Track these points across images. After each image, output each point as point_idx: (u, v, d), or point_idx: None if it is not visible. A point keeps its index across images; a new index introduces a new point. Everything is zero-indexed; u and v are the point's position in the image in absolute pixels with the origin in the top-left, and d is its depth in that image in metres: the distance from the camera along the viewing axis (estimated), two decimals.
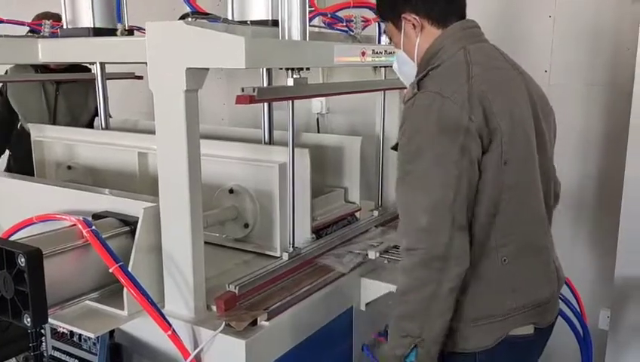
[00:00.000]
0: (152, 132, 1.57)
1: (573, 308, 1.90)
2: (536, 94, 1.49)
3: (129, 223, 1.62)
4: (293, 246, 1.87)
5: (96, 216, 1.66)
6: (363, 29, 2.12)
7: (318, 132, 3.33)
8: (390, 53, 2.04)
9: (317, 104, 3.37)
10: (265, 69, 2.08)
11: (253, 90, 1.52)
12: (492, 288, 1.39)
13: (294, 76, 1.67)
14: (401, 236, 1.36)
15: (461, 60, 1.41)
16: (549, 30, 2.71)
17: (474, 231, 1.35)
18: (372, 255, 1.97)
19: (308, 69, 1.69)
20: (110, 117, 2.78)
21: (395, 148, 1.42)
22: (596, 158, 2.72)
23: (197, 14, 1.58)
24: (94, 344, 1.65)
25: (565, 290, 1.92)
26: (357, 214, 2.31)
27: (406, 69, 1.58)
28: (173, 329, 1.43)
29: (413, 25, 1.50)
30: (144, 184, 2.19)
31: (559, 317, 1.89)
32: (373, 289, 1.90)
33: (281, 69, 1.73)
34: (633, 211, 2.29)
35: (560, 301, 1.79)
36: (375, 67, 2.35)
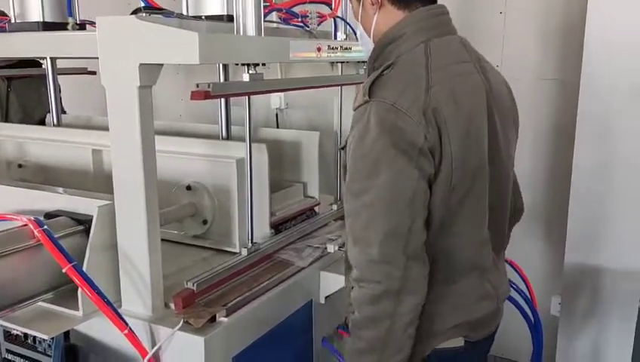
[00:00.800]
0: (107, 128, 1.55)
1: (524, 295, 1.97)
2: (498, 98, 1.38)
3: (83, 222, 1.59)
4: (251, 242, 1.87)
5: (49, 216, 1.62)
6: (319, 25, 2.13)
7: (277, 127, 3.34)
8: (346, 48, 2.06)
9: (275, 99, 3.38)
10: (221, 65, 2.07)
11: (209, 86, 1.52)
12: (424, 308, 1.29)
13: (250, 72, 1.67)
14: (352, 261, 1.26)
15: (420, 62, 1.28)
16: (500, 26, 2.79)
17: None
18: (331, 248, 1.99)
19: (264, 64, 1.70)
20: (64, 112, 2.71)
21: (343, 148, 1.34)
22: (546, 151, 2.81)
23: (150, 9, 1.56)
24: (49, 346, 1.61)
25: (517, 278, 2.00)
26: (316, 208, 2.33)
27: (365, 42, 1.46)
28: (130, 328, 1.42)
29: (372, 1, 1.36)
30: (99, 182, 2.15)
31: (514, 305, 1.97)
32: (332, 282, 1.91)
33: (237, 64, 1.72)
34: (581, 201, 2.38)
35: (512, 289, 1.85)
36: (332, 62, 2.37)
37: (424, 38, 1.31)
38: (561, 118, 2.73)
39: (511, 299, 1.95)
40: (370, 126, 1.21)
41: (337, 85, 2.31)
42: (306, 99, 3.25)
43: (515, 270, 2.01)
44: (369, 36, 1.42)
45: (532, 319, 1.98)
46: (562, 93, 2.71)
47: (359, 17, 1.44)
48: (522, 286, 2.00)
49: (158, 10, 1.59)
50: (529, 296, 1.98)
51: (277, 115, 3.43)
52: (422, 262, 1.23)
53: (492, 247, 1.40)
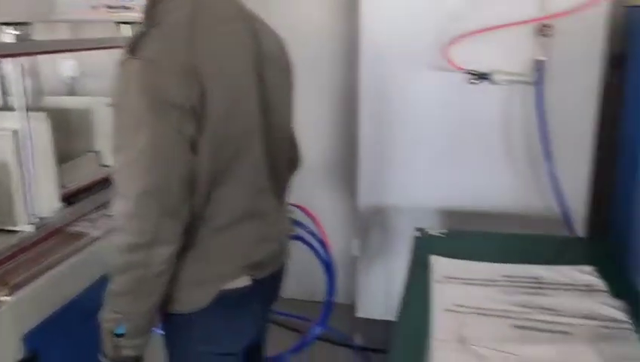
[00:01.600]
0: None
1: (318, 238, 2.13)
2: (269, 56, 1.42)
3: None
4: (38, 218, 1.76)
5: None
6: None
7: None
8: (128, 8, 1.98)
9: (66, 66, 3.13)
10: None
11: None
12: (204, 255, 1.37)
13: (13, 32, 1.54)
14: (112, 210, 1.28)
15: (184, 22, 1.27)
16: None
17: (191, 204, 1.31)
18: None
19: (28, 23, 1.57)
20: None
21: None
22: (337, 107, 3.04)
23: None
24: None
25: (312, 225, 2.16)
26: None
27: None
28: None
29: None
30: None
31: (311, 249, 2.13)
32: None
33: None
34: (368, 150, 2.61)
35: (310, 235, 2.00)
36: (117, 23, 2.26)
37: None
38: (348, 77, 2.94)
39: (309, 245, 2.11)
40: (131, 84, 1.20)
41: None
42: (102, 65, 3.06)
43: (309, 217, 2.16)
44: None
45: (326, 261, 2.16)
46: (349, 51, 2.92)
47: None
48: (317, 233, 2.17)
49: None
50: (322, 239, 2.15)
51: (70, 83, 3.19)
52: (178, 218, 1.27)
53: (273, 195, 1.49)
